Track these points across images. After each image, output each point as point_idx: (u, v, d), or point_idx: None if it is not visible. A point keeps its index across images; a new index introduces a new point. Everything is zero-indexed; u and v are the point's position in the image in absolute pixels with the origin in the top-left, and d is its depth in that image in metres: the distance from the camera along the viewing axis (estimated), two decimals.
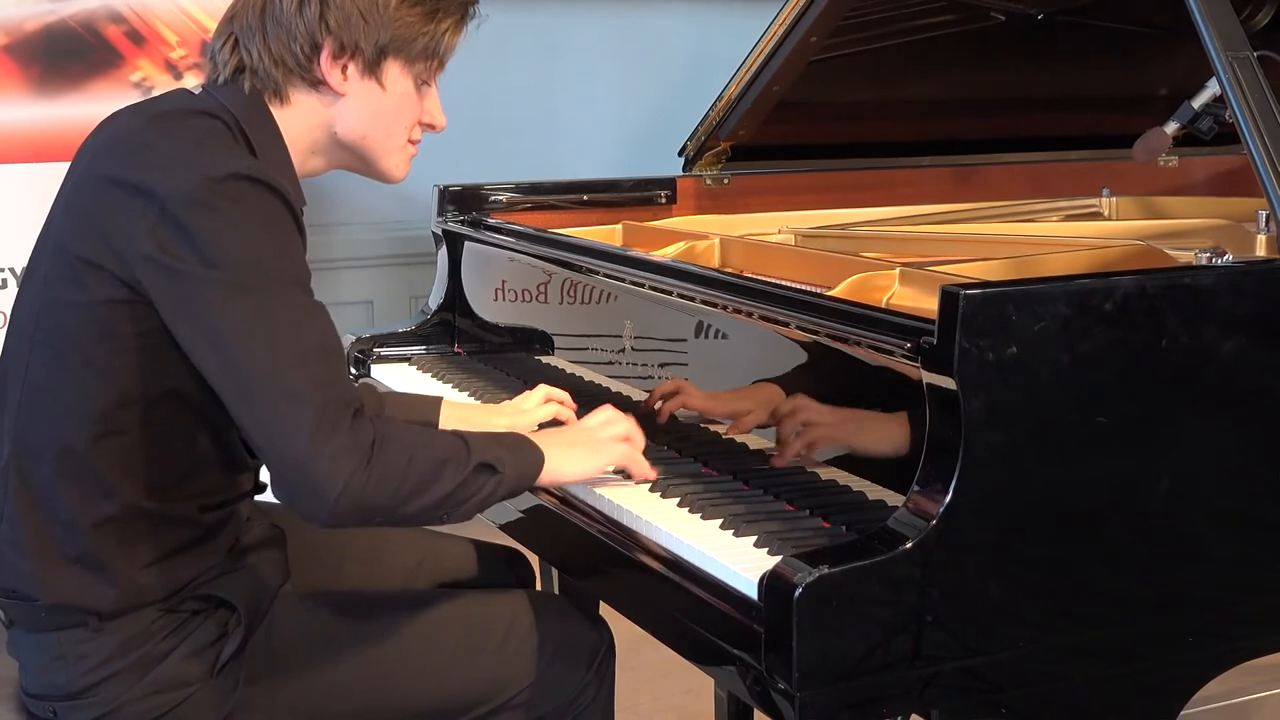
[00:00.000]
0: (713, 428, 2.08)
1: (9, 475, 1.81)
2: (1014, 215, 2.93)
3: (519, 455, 1.85)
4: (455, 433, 1.84)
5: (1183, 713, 1.79)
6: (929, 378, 1.64)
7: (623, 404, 2.26)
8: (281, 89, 1.84)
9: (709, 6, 4.50)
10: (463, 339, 2.84)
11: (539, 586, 2.78)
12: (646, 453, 1.99)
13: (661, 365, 2.22)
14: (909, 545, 1.58)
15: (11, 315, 1.87)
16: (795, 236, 2.68)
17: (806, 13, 2.73)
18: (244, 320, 1.67)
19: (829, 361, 1.85)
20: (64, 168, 1.86)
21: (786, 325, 1.90)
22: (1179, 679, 1.79)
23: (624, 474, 1.98)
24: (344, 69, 1.84)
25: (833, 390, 1.87)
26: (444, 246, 2.86)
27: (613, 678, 2.04)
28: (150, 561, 1.80)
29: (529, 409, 2.20)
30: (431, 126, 1.95)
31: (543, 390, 2.23)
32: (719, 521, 1.82)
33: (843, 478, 1.86)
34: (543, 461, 1.87)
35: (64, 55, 3.50)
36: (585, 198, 2.95)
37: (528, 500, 2.07)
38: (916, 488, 1.64)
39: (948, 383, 1.61)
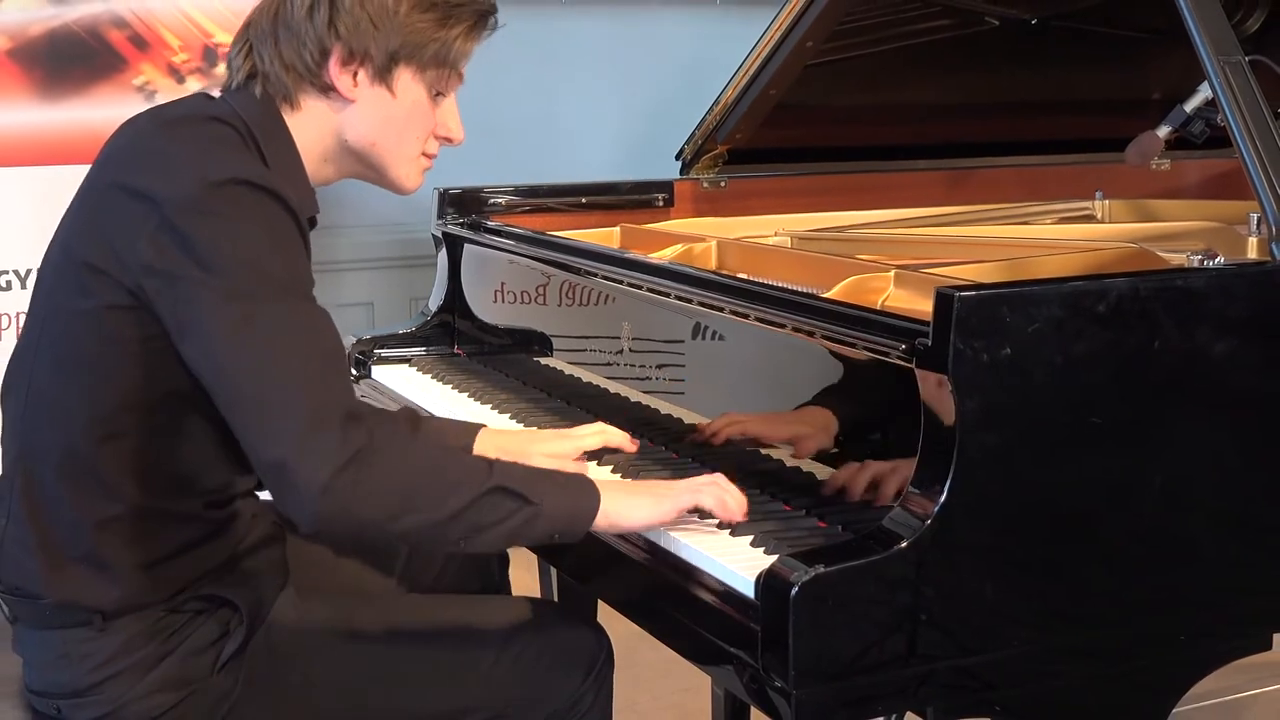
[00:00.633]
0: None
1: (15, 476, 1.82)
2: (1008, 218, 2.94)
3: (567, 492, 1.76)
4: (484, 458, 1.78)
5: (1174, 710, 1.80)
6: (924, 378, 1.65)
7: (621, 404, 2.27)
8: (292, 95, 1.83)
9: (706, 11, 4.51)
10: (462, 340, 2.84)
11: (538, 588, 2.79)
12: (645, 453, 1.98)
13: (659, 366, 2.23)
14: (904, 545, 1.59)
15: (26, 318, 1.87)
16: (791, 239, 2.70)
17: (803, 17, 2.74)
18: (237, 324, 1.65)
19: (825, 362, 1.86)
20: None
21: (783, 327, 1.91)
22: (1172, 678, 1.80)
23: (699, 513, 1.84)
24: (354, 75, 1.82)
25: (828, 391, 1.88)
26: (444, 249, 2.86)
27: (611, 685, 2.01)
28: (154, 561, 1.81)
29: (576, 434, 2.08)
30: (448, 140, 1.91)
31: (600, 425, 2.10)
32: (716, 521, 1.83)
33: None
34: (598, 502, 1.76)
35: (67, 59, 3.50)
36: (583, 200, 2.95)
37: None
38: (912, 488, 1.65)
39: (943, 384, 1.62)
